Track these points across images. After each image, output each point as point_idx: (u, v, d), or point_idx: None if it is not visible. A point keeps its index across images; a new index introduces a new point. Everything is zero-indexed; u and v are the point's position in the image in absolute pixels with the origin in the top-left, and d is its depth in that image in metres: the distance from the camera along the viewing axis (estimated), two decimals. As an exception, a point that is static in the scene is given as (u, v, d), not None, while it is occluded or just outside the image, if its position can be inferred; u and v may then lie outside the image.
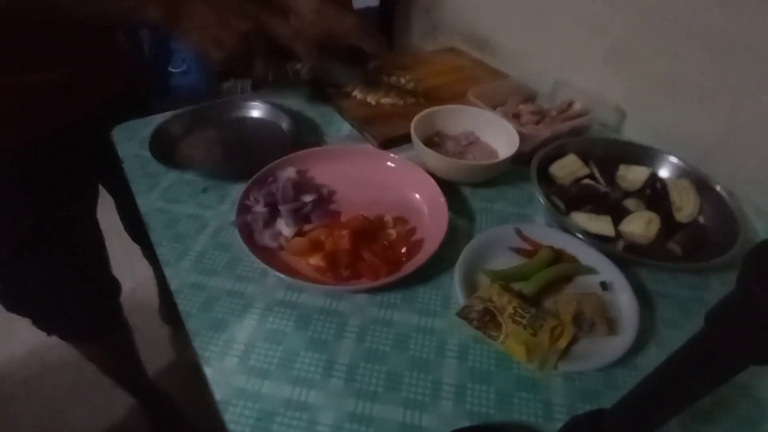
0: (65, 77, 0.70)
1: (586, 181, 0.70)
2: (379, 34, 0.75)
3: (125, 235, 1.13)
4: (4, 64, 0.65)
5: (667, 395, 0.29)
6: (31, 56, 0.66)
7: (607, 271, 0.56)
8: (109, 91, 0.81)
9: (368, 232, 0.59)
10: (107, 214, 0.93)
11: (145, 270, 1.55)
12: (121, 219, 1.09)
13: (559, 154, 0.72)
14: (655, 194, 0.68)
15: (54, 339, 0.92)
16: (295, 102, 0.89)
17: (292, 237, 0.59)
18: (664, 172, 0.72)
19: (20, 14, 0.56)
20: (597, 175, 0.71)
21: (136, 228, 0.62)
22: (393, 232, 0.60)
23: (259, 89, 0.92)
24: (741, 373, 0.25)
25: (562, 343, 0.48)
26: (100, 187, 0.92)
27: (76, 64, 0.72)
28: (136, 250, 1.21)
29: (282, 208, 0.61)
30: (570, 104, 0.84)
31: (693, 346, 0.27)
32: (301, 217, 0.62)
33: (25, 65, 0.66)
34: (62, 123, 0.74)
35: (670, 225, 0.64)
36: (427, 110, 0.74)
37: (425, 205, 0.66)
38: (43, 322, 0.88)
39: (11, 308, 0.84)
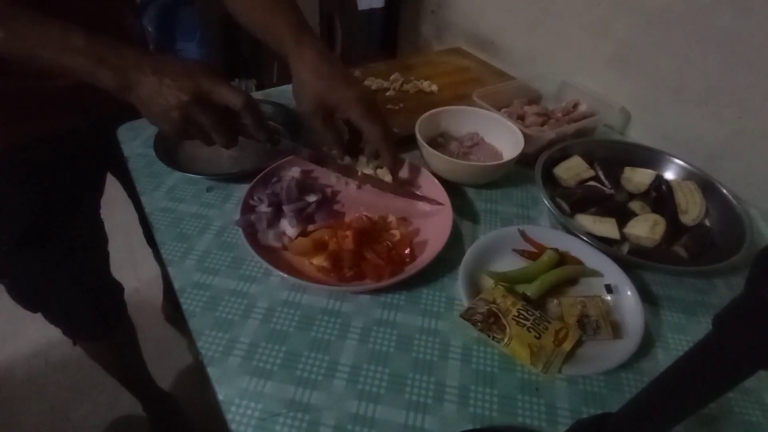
0: (80, 84, 0.71)
1: (591, 183, 0.70)
2: (388, 129, 0.61)
3: (130, 235, 1.14)
4: (16, 68, 0.65)
5: (674, 400, 0.28)
6: None
7: (612, 273, 0.56)
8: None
9: (372, 232, 0.59)
10: (112, 214, 0.93)
11: (149, 270, 1.56)
12: (140, 221, 1.09)
13: (564, 155, 0.72)
14: (660, 197, 0.67)
15: (58, 338, 0.93)
16: (300, 102, 0.89)
17: (296, 237, 0.59)
18: (669, 175, 0.71)
19: None
20: (602, 177, 0.71)
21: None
22: (396, 233, 0.60)
23: (264, 89, 0.92)
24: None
25: (567, 346, 0.48)
26: (107, 187, 0.93)
27: None
28: (139, 250, 1.21)
29: (286, 208, 0.61)
30: (575, 106, 0.84)
31: (700, 350, 0.26)
32: (305, 217, 0.61)
33: (30, 71, 0.67)
34: (77, 125, 0.75)
35: (675, 228, 0.63)
36: (431, 111, 0.74)
37: (429, 206, 0.65)
38: (47, 316, 0.89)
39: (18, 301, 0.85)
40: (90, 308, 0.89)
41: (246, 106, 0.53)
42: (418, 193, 0.67)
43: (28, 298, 0.85)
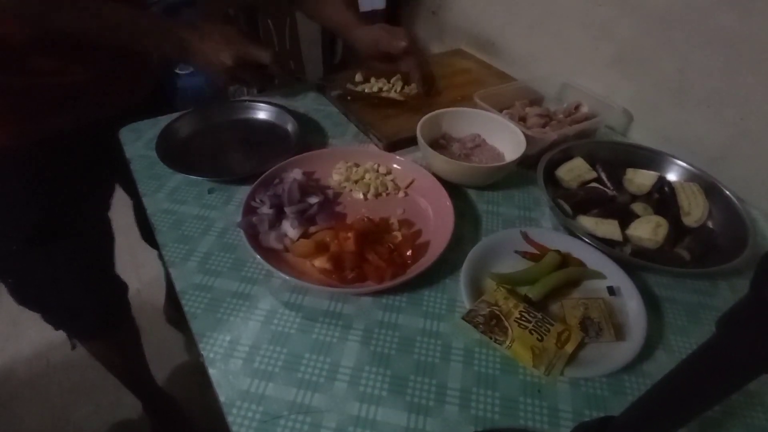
0: (88, 81, 0.72)
1: (593, 184, 0.70)
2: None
3: (131, 236, 1.14)
4: (26, 65, 0.66)
5: (678, 403, 0.28)
6: (54, 59, 0.68)
7: (615, 275, 0.56)
8: (132, 96, 0.83)
9: (373, 234, 0.59)
10: (113, 216, 0.93)
11: (151, 271, 1.56)
12: (136, 222, 1.09)
13: (566, 157, 0.72)
14: (663, 198, 0.67)
15: (59, 339, 0.93)
16: (301, 104, 0.89)
17: (298, 239, 0.59)
18: (672, 176, 0.71)
19: (52, 29, 0.65)
20: (604, 178, 0.71)
21: (150, 231, 0.63)
22: (398, 235, 0.60)
23: (264, 91, 0.93)
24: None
25: (569, 348, 0.48)
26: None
27: (99, 69, 0.73)
28: (141, 251, 1.21)
29: (287, 209, 0.61)
30: (577, 107, 0.84)
31: (704, 353, 0.26)
32: (306, 218, 0.61)
33: (47, 68, 0.67)
34: (83, 123, 0.75)
35: (678, 230, 0.63)
36: (433, 112, 0.74)
37: (431, 207, 0.65)
38: (50, 316, 0.89)
39: (21, 302, 0.85)
40: (95, 307, 0.89)
41: (273, 60, 0.74)
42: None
43: (34, 298, 0.85)
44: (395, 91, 0.90)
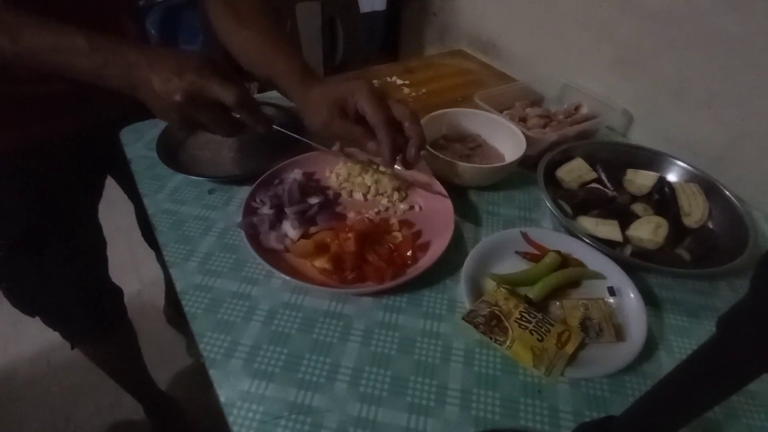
0: (72, 90, 0.71)
1: (593, 185, 0.70)
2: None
3: (131, 237, 1.14)
4: (14, 73, 0.65)
5: (678, 404, 0.28)
6: (30, 69, 0.66)
7: (615, 276, 0.56)
8: (123, 105, 0.82)
9: (374, 234, 0.59)
10: (113, 216, 0.93)
11: (151, 272, 1.56)
12: (138, 223, 1.09)
13: (566, 158, 0.72)
14: (663, 199, 0.67)
15: (60, 340, 0.93)
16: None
17: (298, 239, 0.59)
18: (672, 177, 0.71)
19: None
20: (604, 179, 0.71)
21: (151, 232, 0.62)
22: (398, 235, 0.60)
23: (265, 91, 0.92)
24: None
25: (569, 348, 0.48)
26: (107, 191, 0.93)
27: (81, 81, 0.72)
28: (141, 252, 1.21)
29: (288, 210, 0.61)
30: (577, 108, 0.84)
31: (704, 353, 0.26)
32: (306, 219, 0.61)
33: (27, 76, 0.67)
34: (79, 129, 0.75)
35: (678, 230, 0.63)
36: (433, 113, 0.74)
37: (431, 208, 0.65)
38: (44, 319, 0.89)
39: (14, 304, 0.85)
40: (87, 312, 0.88)
41: (238, 102, 0.52)
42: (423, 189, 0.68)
43: (25, 302, 0.85)
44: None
